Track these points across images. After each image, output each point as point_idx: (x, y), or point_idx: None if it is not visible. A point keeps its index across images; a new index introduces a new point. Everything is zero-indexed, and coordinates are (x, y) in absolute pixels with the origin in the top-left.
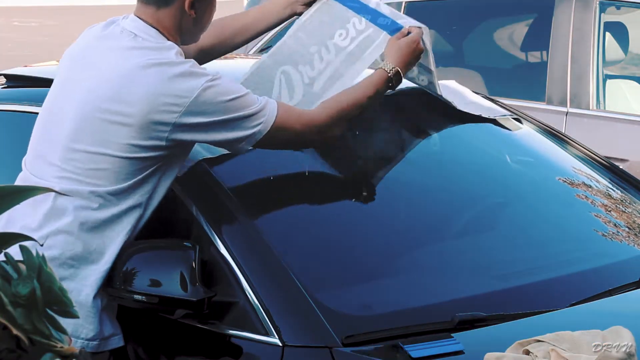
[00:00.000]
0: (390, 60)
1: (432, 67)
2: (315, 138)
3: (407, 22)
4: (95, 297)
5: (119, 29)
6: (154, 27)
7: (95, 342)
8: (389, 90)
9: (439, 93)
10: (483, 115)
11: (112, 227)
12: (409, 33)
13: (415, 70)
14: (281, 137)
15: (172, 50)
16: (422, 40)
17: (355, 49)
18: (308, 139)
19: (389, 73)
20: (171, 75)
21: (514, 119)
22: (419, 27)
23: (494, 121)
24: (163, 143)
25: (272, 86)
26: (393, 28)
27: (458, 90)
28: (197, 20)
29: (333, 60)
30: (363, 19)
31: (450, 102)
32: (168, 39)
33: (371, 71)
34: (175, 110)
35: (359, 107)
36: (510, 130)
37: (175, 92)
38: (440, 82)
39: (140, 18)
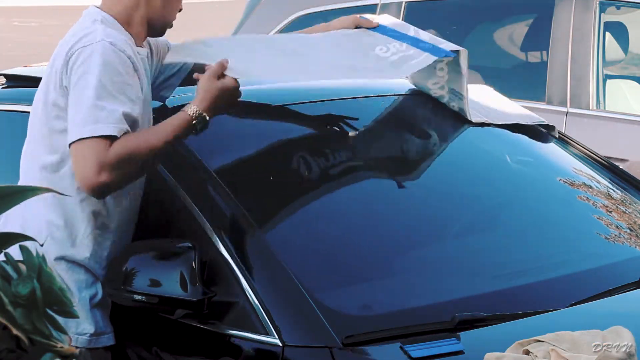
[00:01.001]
0: (196, 102)
1: (465, 92)
2: (96, 174)
3: (448, 46)
4: (84, 291)
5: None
6: (111, 15)
7: (85, 337)
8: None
9: (469, 119)
10: (521, 123)
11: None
12: (219, 78)
13: (446, 96)
14: (77, 156)
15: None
16: (459, 63)
17: (397, 60)
18: (87, 172)
19: (193, 117)
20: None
21: (546, 125)
22: (459, 50)
23: (531, 128)
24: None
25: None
26: (434, 51)
27: (491, 100)
28: (163, 2)
29: (371, 65)
30: (404, 43)
31: (484, 121)
32: (127, 28)
33: None
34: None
35: (152, 151)
36: (549, 137)
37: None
38: (471, 86)
39: (97, 7)
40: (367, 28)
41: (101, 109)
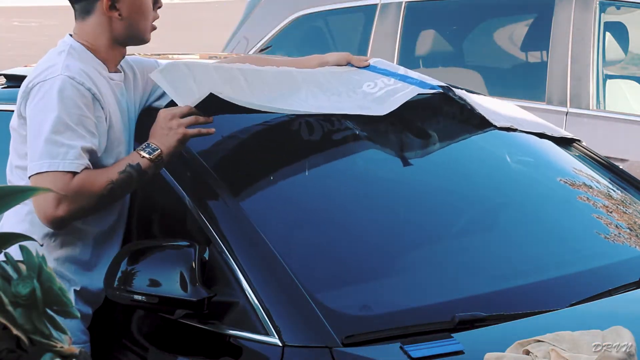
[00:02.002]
0: (151, 138)
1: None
2: (54, 207)
3: (436, 83)
4: None
5: None
6: (81, 43)
7: None
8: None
9: (493, 123)
10: (547, 133)
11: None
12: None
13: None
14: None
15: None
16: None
17: (383, 95)
18: (45, 205)
19: (148, 157)
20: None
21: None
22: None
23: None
24: None
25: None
26: (421, 84)
27: (516, 112)
28: (126, 18)
29: (358, 103)
30: (392, 78)
31: (509, 126)
32: (97, 54)
33: None
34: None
35: (109, 185)
36: (570, 149)
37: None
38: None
39: (71, 36)
40: (358, 67)
41: (60, 145)
